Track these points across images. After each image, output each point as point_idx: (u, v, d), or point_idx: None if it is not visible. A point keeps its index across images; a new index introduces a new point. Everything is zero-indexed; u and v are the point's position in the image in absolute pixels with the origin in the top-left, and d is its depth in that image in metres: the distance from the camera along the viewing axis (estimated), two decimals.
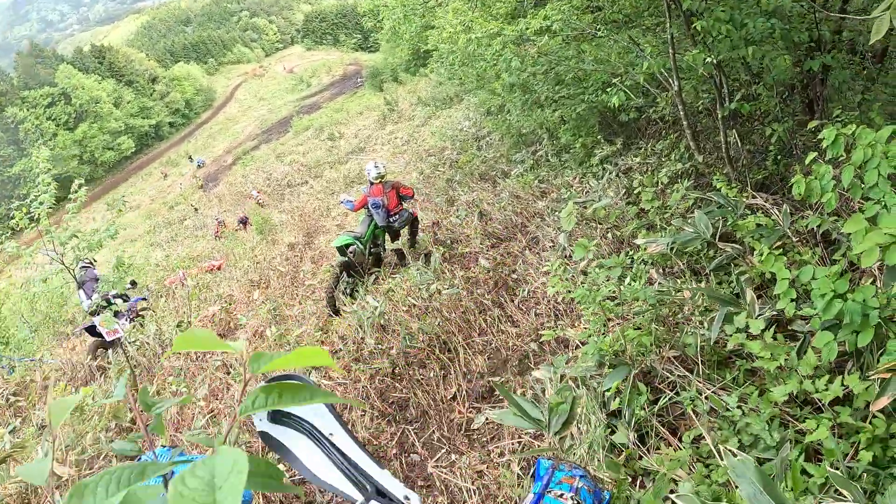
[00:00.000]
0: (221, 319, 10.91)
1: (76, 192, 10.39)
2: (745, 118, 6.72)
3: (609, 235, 6.69)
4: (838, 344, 3.02)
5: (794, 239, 4.36)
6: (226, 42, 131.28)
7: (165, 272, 20.25)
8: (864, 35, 5.68)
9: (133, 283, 11.66)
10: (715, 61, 5.04)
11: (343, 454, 2.71)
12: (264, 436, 2.84)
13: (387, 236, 9.89)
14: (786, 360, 3.20)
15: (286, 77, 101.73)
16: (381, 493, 2.68)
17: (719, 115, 5.63)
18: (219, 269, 17.58)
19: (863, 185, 3.15)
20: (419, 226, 10.16)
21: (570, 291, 4.48)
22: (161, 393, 8.29)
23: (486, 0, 9.69)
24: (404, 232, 10.11)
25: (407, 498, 2.61)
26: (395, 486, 2.67)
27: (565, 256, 6.57)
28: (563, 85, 8.96)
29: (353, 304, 8.03)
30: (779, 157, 5.86)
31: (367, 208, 9.54)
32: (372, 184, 9.45)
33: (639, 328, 4.02)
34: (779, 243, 4.28)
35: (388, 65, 55.42)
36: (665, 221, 5.76)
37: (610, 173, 8.15)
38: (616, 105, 6.42)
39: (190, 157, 66.98)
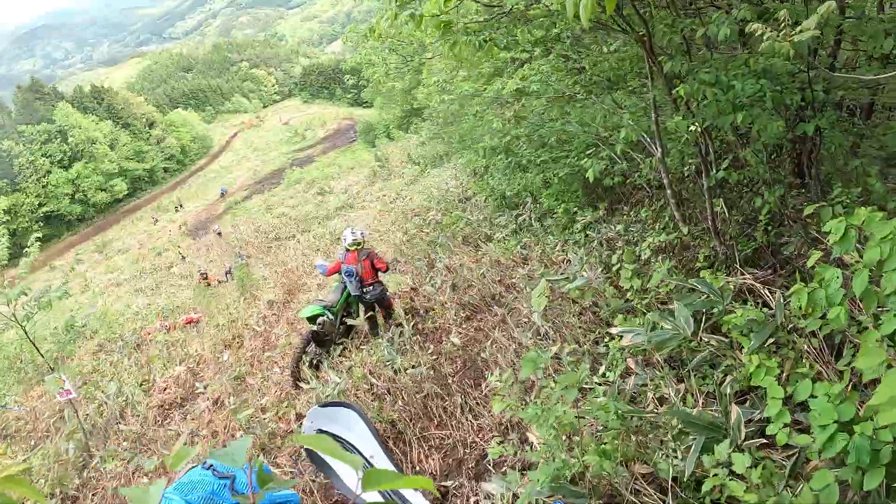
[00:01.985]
0: (185, 381, 10.37)
1: (30, 246, 10.02)
2: (733, 185, 6.34)
3: (587, 315, 6.18)
4: (841, 484, 2.46)
5: (789, 334, 3.82)
6: (225, 91, 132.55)
7: (144, 322, 19.87)
8: (854, 92, 5.31)
9: None
10: (700, 128, 4.67)
11: None
12: (311, 454, 3.31)
13: (360, 307, 9.33)
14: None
15: (282, 129, 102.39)
16: None
17: (705, 186, 5.24)
18: (197, 322, 17.15)
19: (877, 291, 2.60)
20: (392, 306, 9.53)
21: (519, 409, 3.93)
22: (114, 458, 7.76)
23: (468, 59, 9.30)
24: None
25: None
26: None
27: (539, 335, 6.06)
28: (546, 148, 8.64)
29: (316, 377, 7.51)
30: (769, 226, 5.42)
31: (341, 275, 9.06)
32: (347, 250, 8.99)
33: (604, 445, 3.43)
34: (772, 340, 3.74)
35: (382, 121, 55.91)
36: (645, 306, 5.25)
37: (591, 241, 7.74)
38: (594, 176, 6.08)
39: (178, 207, 67.35)
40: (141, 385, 10.72)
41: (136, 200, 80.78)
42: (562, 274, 6.53)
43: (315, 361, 8.40)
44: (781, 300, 3.88)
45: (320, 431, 3.22)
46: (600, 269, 6.28)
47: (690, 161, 6.83)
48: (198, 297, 21.42)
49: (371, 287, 8.90)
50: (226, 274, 26.81)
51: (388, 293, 9.25)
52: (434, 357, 6.93)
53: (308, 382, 7.26)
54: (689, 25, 4.59)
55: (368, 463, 2.87)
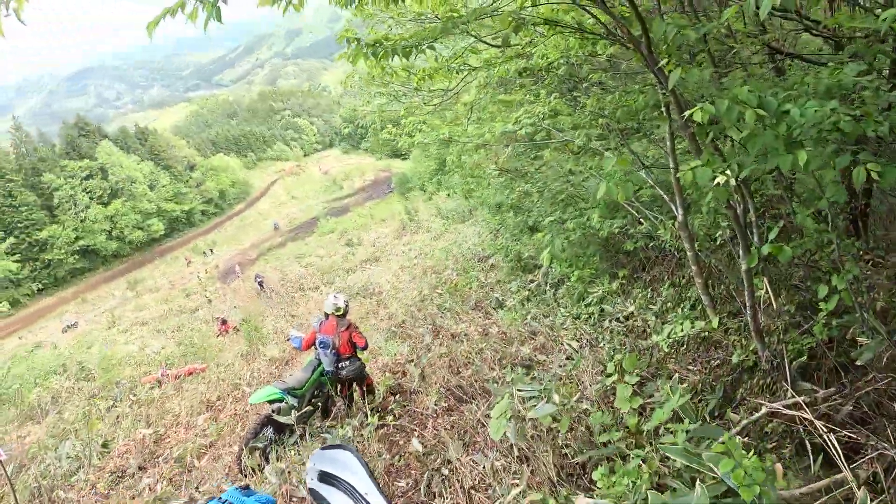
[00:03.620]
0: (147, 447, 9.28)
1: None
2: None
3: (559, 457, 4.57)
4: None
5: None
6: (267, 138, 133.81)
7: (149, 367, 19.02)
8: None
9: None
10: (735, 179, 3.11)
11: None
12: (313, 493, 3.49)
13: (338, 387, 8.12)
14: None
15: (321, 178, 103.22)
16: None
17: (743, 266, 3.97)
18: (202, 371, 16.10)
19: None
20: (372, 384, 8.35)
21: None
22: None
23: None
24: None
25: None
26: None
27: (509, 457, 4.72)
28: (557, 205, 7.45)
29: (259, 470, 6.37)
30: (832, 320, 4.00)
31: (316, 348, 7.91)
32: (327, 316, 7.95)
33: None
34: None
35: (417, 174, 55.31)
36: (647, 444, 3.86)
37: (605, 318, 6.51)
38: (605, 235, 4.89)
39: (208, 252, 67.86)
40: (104, 446, 9.67)
41: (172, 241, 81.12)
42: (550, 369, 5.26)
43: (264, 450, 7.13)
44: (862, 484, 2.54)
45: (322, 472, 3.42)
46: (598, 368, 4.97)
47: (725, 224, 5.47)
48: (200, 350, 20.42)
49: (347, 362, 7.73)
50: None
51: (365, 370, 8.04)
52: (390, 463, 5.73)
53: (252, 474, 6.12)
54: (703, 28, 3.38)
55: (364, 499, 3.09)
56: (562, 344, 6.80)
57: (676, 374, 4.47)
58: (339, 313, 7.84)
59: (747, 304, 4.02)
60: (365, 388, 8.10)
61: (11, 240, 65.94)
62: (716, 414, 4.22)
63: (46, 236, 68.87)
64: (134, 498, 7.18)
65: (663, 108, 3.88)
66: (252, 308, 27.82)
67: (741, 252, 3.95)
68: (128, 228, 75.57)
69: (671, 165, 3.93)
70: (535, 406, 4.37)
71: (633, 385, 4.01)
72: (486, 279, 12.21)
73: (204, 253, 68.08)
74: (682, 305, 5.59)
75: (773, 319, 4.31)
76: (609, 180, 3.47)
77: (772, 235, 3.67)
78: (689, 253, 4.41)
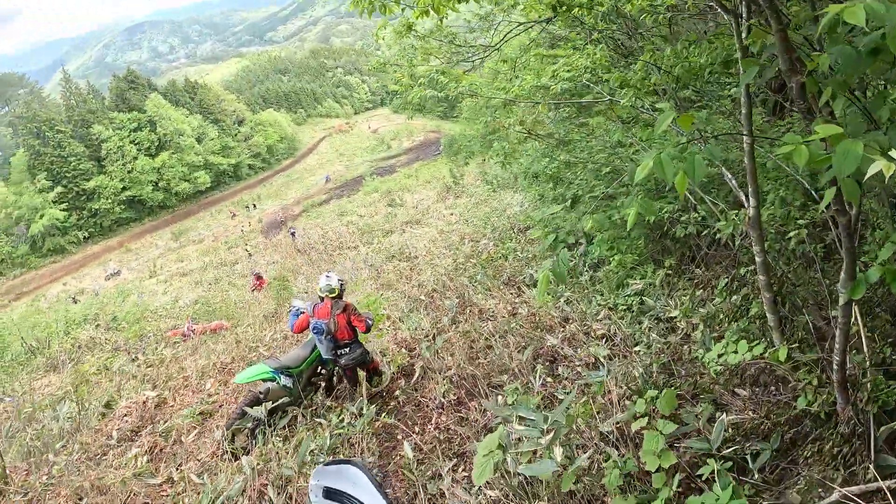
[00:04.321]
0: (148, 410, 8.81)
1: None
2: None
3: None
4: None
5: None
6: (318, 95, 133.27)
7: (178, 321, 18.74)
8: None
9: None
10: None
11: None
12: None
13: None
14: None
15: (369, 136, 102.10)
16: None
17: (842, 297, 2.99)
18: (227, 328, 15.69)
19: None
20: (378, 368, 7.51)
21: None
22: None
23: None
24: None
25: None
26: None
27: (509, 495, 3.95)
28: (603, 180, 6.58)
29: (245, 453, 5.80)
30: None
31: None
32: (321, 299, 7.05)
33: None
34: None
35: (466, 137, 54.05)
36: None
37: (645, 313, 5.69)
38: (651, 215, 4.05)
39: (251, 206, 67.97)
40: (108, 405, 9.25)
41: (217, 194, 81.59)
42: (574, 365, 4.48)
43: (252, 430, 6.46)
44: None
45: (328, 490, 3.15)
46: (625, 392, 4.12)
47: (802, 221, 4.46)
48: (231, 305, 20.05)
49: (347, 349, 6.91)
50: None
51: (369, 355, 7.22)
52: (381, 464, 5.11)
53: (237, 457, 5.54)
54: None
55: None
56: (592, 339, 6.03)
57: (724, 414, 3.62)
58: (333, 295, 6.97)
59: (836, 344, 3.06)
60: (370, 371, 7.36)
61: (60, 189, 67.76)
62: (766, 470, 3.44)
63: (94, 186, 70.34)
64: (118, 469, 6.68)
65: (739, 57, 3.00)
66: (290, 264, 27.46)
67: (843, 275, 2.93)
68: (174, 180, 76.36)
69: (746, 139, 3.02)
70: (531, 451, 3.62)
71: (667, 436, 3.19)
72: (523, 252, 11.46)
73: (246, 207, 68.24)
74: (739, 320, 4.62)
75: (862, 366, 3.39)
76: (659, 153, 2.54)
77: (884, 254, 2.68)
78: (757, 258, 3.49)
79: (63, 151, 69.96)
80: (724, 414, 3.70)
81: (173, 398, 9.30)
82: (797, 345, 4.01)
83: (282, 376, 6.68)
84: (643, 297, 6.15)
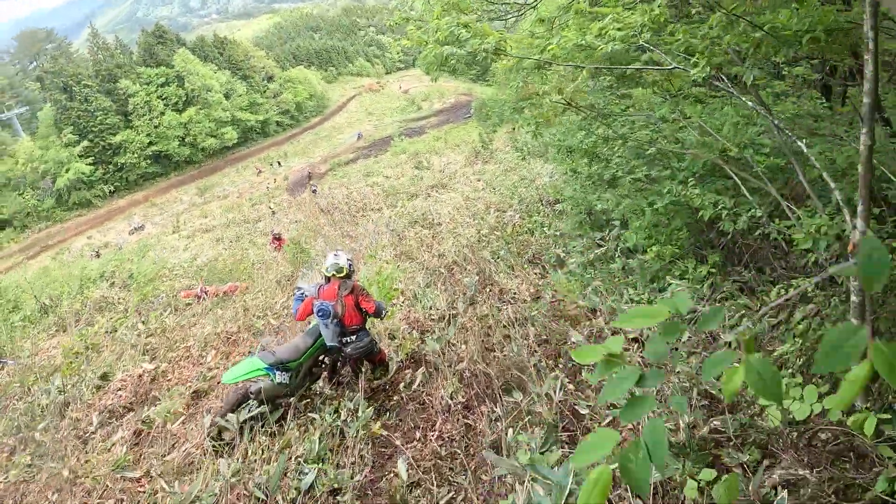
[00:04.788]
0: (144, 384, 8.33)
1: None
2: None
3: None
4: None
5: None
6: (349, 54, 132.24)
7: (193, 281, 18.29)
8: None
9: None
10: None
11: None
12: None
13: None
14: None
15: (399, 97, 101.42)
16: None
17: None
18: (243, 290, 15.29)
19: None
20: (385, 360, 6.85)
21: None
22: None
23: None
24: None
25: None
26: None
27: None
28: (644, 160, 5.86)
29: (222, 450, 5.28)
30: None
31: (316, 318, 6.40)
32: (327, 279, 6.38)
33: None
34: None
35: (497, 102, 53.07)
36: None
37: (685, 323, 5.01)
38: (709, 215, 3.37)
39: (277, 163, 67.99)
40: (104, 377, 8.80)
41: (244, 150, 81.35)
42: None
43: (243, 428, 5.78)
44: None
45: None
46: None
47: None
48: (242, 268, 19.62)
49: (354, 336, 6.27)
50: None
51: (377, 345, 6.57)
52: (371, 479, 4.52)
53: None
54: None
55: None
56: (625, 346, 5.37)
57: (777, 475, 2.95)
58: (341, 275, 6.30)
59: None
60: (375, 363, 6.72)
61: (86, 143, 67.99)
62: None
63: (120, 141, 70.35)
64: (101, 454, 6.21)
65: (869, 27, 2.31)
66: (313, 224, 27.05)
67: None
68: (201, 136, 76.21)
69: (864, 138, 2.31)
70: None
71: None
72: (550, 228, 10.78)
73: (271, 164, 68.24)
74: (806, 362, 3.70)
75: None
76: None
77: None
78: (853, 297, 2.77)
79: (89, 106, 69.92)
80: (775, 469, 3.03)
81: (172, 370, 8.84)
82: (889, 413, 3.15)
83: (277, 373, 5.98)
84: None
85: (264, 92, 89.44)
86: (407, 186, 30.79)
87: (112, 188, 68.46)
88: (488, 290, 8.63)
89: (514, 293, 8.11)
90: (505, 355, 5.97)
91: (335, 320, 6.13)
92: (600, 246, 7.82)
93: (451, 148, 45.11)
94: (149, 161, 71.62)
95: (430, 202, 22.81)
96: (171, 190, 68.39)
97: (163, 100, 75.90)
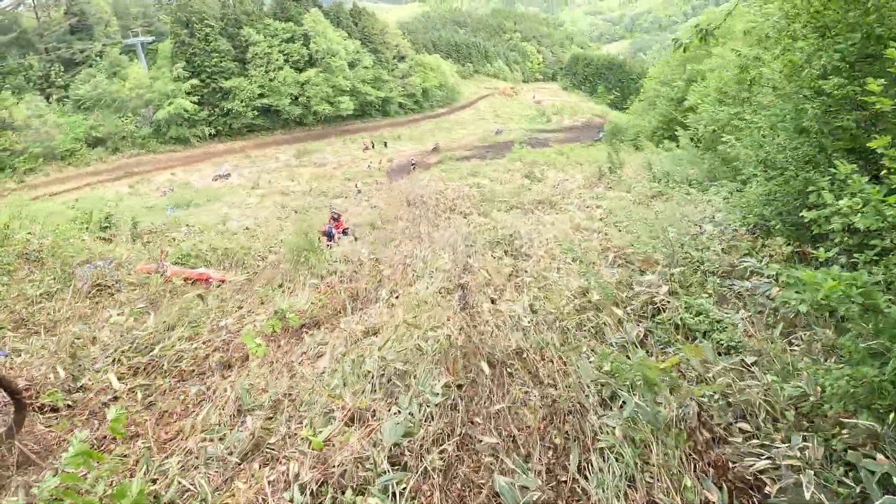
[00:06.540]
0: None
1: None
2: None
3: None
4: None
5: None
6: (489, 54, 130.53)
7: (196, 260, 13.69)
8: None
9: None
10: None
11: None
12: None
13: None
14: None
15: (531, 106, 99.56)
16: None
17: None
18: (219, 281, 11.89)
19: None
20: None
21: None
22: None
23: None
24: None
25: None
26: None
27: None
28: None
29: None
30: None
31: None
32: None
33: None
34: None
35: (633, 126, 48.21)
36: None
37: None
38: None
39: (384, 143, 67.12)
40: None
41: (359, 123, 78.78)
42: None
43: None
44: None
45: None
46: None
47: None
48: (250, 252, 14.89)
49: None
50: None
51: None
52: None
53: None
54: None
55: None
56: None
57: None
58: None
59: None
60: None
61: (196, 81, 66.25)
62: None
63: (231, 86, 68.52)
64: None
65: None
66: (391, 213, 23.47)
67: None
68: (315, 99, 73.67)
69: None
70: None
71: None
72: (741, 326, 5.13)
73: (374, 144, 67.08)
74: None
75: None
76: None
77: None
78: None
79: (208, 45, 68.77)
80: None
81: None
82: None
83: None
84: None
85: (392, 70, 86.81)
86: (508, 197, 25.29)
87: (213, 131, 66.82)
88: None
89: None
90: None
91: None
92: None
93: (571, 164, 39.97)
94: (256, 112, 69.64)
95: (529, 220, 16.83)
96: (270, 146, 67.04)
97: (284, 55, 74.10)
